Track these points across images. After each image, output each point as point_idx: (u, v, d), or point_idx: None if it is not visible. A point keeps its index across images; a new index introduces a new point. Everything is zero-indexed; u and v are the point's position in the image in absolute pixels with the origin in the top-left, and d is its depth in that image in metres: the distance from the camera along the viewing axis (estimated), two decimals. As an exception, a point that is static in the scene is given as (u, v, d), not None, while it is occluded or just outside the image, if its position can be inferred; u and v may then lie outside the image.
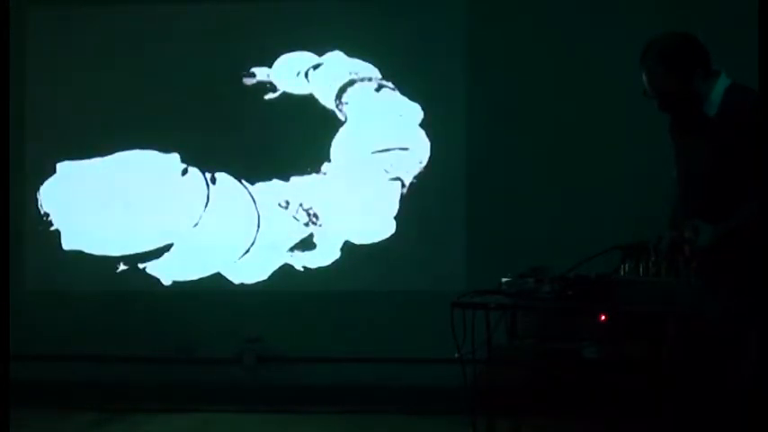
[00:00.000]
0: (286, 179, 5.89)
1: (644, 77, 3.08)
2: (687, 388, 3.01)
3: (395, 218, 5.81)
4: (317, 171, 5.88)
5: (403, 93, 5.82)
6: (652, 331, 3.49)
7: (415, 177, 5.81)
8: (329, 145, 5.86)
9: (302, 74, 5.90)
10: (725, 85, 3.02)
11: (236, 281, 5.91)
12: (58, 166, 5.99)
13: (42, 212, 5.98)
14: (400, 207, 5.81)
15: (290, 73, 5.91)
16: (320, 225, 5.88)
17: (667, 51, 3.04)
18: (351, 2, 5.91)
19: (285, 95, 5.91)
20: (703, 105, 3.02)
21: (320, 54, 5.87)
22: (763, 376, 2.81)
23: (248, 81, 5.91)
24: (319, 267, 5.85)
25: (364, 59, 5.84)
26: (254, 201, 5.91)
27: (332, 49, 5.86)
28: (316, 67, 5.89)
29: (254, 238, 5.90)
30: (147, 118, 5.92)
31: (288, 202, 5.90)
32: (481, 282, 3.51)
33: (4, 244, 3.98)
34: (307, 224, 5.89)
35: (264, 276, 5.89)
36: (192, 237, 5.92)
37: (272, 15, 5.92)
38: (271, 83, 5.92)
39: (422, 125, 5.80)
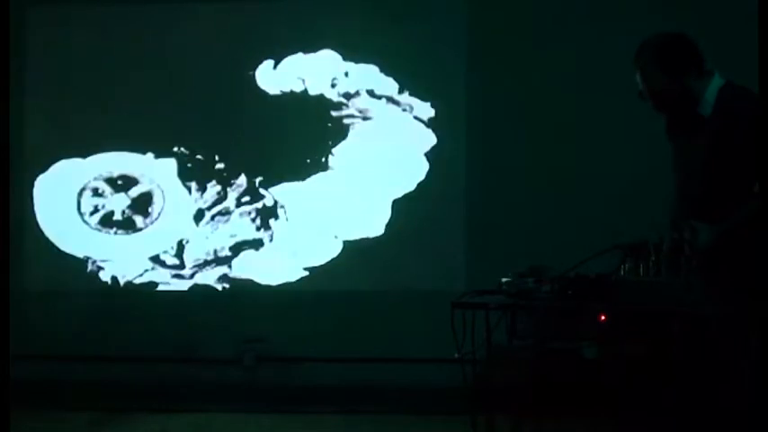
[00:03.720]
0: (286, 179, 5.89)
1: (638, 78, 3.08)
2: (688, 388, 3.01)
3: (395, 218, 5.81)
4: (318, 171, 5.88)
5: (403, 93, 5.82)
6: (652, 331, 3.49)
7: (415, 177, 5.81)
8: (330, 145, 5.87)
9: (303, 74, 5.90)
10: (719, 85, 3.02)
11: (237, 281, 5.91)
12: (59, 165, 6.00)
13: (42, 212, 5.99)
14: (400, 207, 5.81)
15: (290, 74, 5.91)
16: (320, 225, 5.87)
17: (661, 51, 3.04)
18: (351, 3, 5.92)
19: (285, 96, 5.91)
20: (698, 105, 3.02)
21: (319, 54, 5.88)
22: (764, 376, 2.81)
23: (250, 81, 5.92)
24: (319, 267, 5.85)
25: (364, 60, 5.85)
26: (254, 201, 5.91)
27: (332, 50, 5.87)
28: (316, 67, 5.89)
29: (255, 239, 5.90)
30: (148, 117, 5.92)
31: (288, 203, 5.90)
32: (481, 282, 3.51)
33: (5, 244, 3.97)
34: (307, 224, 5.89)
35: (265, 276, 5.89)
36: (192, 237, 5.92)
37: (270, 15, 5.92)
38: (272, 83, 5.92)
39: (422, 125, 5.80)
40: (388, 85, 5.84)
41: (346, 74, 5.87)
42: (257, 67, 5.91)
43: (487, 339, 3.41)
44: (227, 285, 5.91)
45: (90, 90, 5.97)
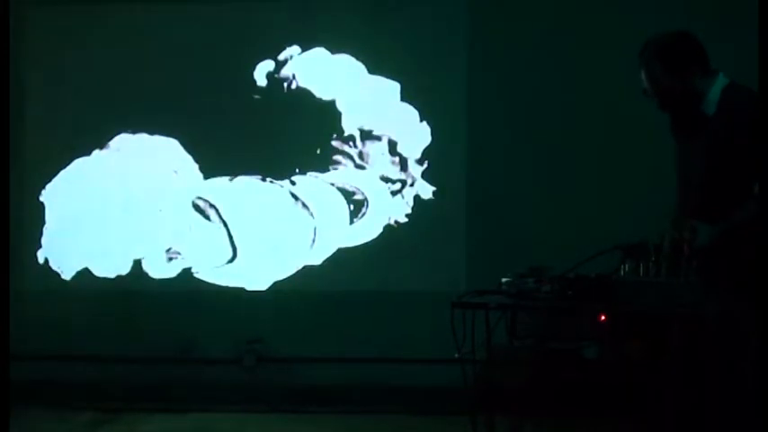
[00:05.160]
0: (286, 179, 5.89)
1: (642, 76, 3.09)
2: (688, 388, 3.01)
3: (395, 218, 5.81)
4: (317, 171, 5.88)
5: (403, 92, 5.82)
6: (652, 331, 3.49)
7: (414, 177, 5.81)
8: (329, 145, 5.86)
9: (301, 72, 5.90)
10: (723, 85, 3.03)
11: (237, 281, 5.91)
12: (59, 165, 6.00)
13: (42, 212, 6.00)
14: (400, 207, 5.81)
15: (288, 71, 5.91)
16: (320, 225, 5.87)
17: (665, 49, 3.05)
18: (350, 3, 5.92)
19: (283, 94, 5.91)
20: (701, 104, 3.03)
21: (316, 52, 5.88)
22: (764, 376, 2.81)
23: (249, 80, 5.92)
24: (319, 267, 5.85)
25: (365, 58, 5.85)
26: (253, 201, 5.91)
27: (328, 49, 5.88)
28: (313, 66, 5.89)
29: (255, 239, 5.90)
30: (148, 117, 5.92)
31: (288, 202, 5.89)
32: (481, 282, 3.51)
33: (5, 244, 3.98)
34: (307, 224, 5.89)
35: (265, 276, 5.89)
36: (192, 237, 5.92)
37: (270, 14, 5.92)
38: (270, 81, 5.91)
39: (422, 124, 5.80)
40: (389, 86, 5.83)
41: (345, 73, 5.87)
42: (257, 66, 5.90)
43: (487, 339, 3.41)
44: (227, 285, 5.91)
45: (90, 90, 5.97)
